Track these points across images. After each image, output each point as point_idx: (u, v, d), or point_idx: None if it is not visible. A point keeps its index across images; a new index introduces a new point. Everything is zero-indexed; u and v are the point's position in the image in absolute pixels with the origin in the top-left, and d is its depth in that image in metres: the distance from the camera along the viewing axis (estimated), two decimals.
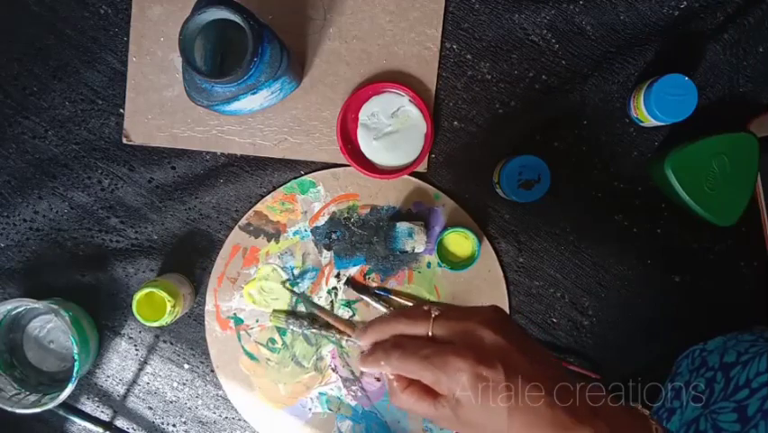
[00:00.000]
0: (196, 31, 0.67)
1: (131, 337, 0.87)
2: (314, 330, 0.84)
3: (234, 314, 0.85)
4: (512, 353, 0.46)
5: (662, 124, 0.78)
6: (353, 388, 0.85)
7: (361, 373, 0.85)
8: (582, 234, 0.84)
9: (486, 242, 0.84)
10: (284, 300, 0.85)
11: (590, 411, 0.45)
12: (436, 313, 0.50)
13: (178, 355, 0.87)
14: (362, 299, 0.84)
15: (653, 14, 0.82)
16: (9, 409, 0.79)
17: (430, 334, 0.49)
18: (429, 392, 0.48)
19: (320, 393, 0.85)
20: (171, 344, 0.86)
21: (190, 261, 0.86)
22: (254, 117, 0.84)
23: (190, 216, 0.86)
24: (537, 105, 0.83)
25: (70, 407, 0.86)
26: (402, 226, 0.81)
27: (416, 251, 0.82)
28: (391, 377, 0.50)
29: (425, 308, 0.51)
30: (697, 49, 0.81)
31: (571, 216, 0.84)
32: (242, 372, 0.85)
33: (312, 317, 0.85)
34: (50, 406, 0.78)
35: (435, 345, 0.48)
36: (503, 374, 0.45)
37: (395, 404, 0.50)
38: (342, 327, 0.63)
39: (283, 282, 0.85)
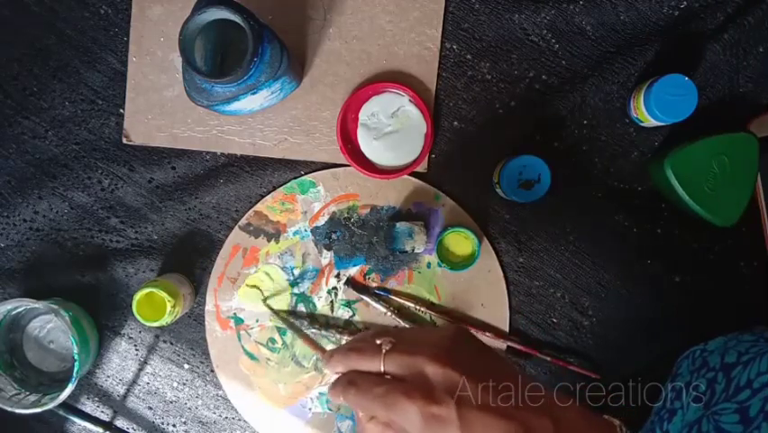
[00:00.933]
0: (196, 31, 0.67)
1: (131, 337, 0.87)
2: (314, 330, 0.84)
3: (234, 314, 0.85)
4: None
5: (662, 124, 0.78)
6: None
7: None
8: (582, 234, 0.84)
9: (486, 242, 0.84)
10: (284, 300, 0.85)
11: (552, 424, 0.46)
12: (387, 348, 0.50)
13: (178, 355, 0.87)
14: (362, 299, 0.84)
15: (653, 14, 0.82)
16: (9, 409, 0.79)
17: (382, 370, 0.49)
18: (389, 425, 0.49)
19: (320, 393, 0.85)
20: (171, 344, 0.86)
21: (190, 261, 0.86)
22: (254, 117, 0.84)
23: (190, 216, 0.86)
24: (537, 105, 0.83)
25: (70, 407, 0.86)
26: (402, 226, 0.81)
27: (415, 251, 0.82)
28: (356, 408, 0.51)
29: (378, 342, 0.51)
30: (697, 49, 0.81)
31: (571, 216, 0.84)
32: (242, 372, 0.85)
33: (312, 317, 0.85)
34: (50, 406, 0.78)
35: (388, 384, 0.48)
36: (454, 410, 0.45)
37: None
38: (312, 349, 0.66)
39: (264, 300, 0.85)
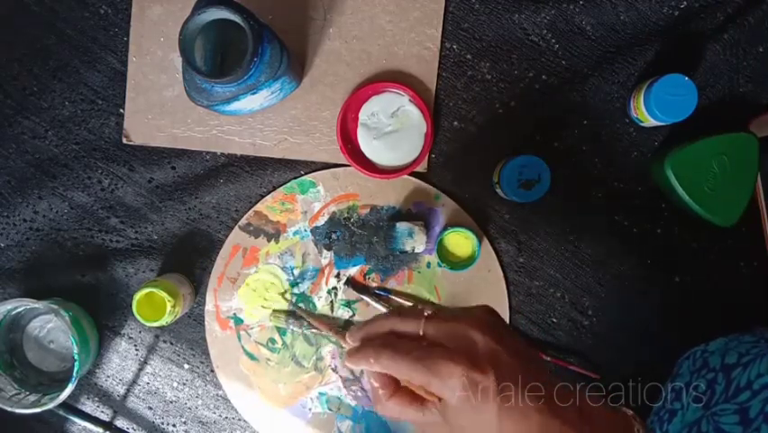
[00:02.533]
0: (196, 31, 0.67)
1: (131, 337, 0.87)
2: (314, 330, 0.84)
3: (234, 314, 0.85)
4: (503, 356, 0.46)
5: (662, 124, 0.78)
6: (353, 388, 0.85)
7: (361, 372, 0.85)
8: (582, 234, 0.84)
9: (486, 242, 0.84)
10: (284, 301, 0.85)
11: (578, 416, 0.45)
12: (429, 312, 0.49)
13: (178, 355, 0.87)
14: (362, 299, 0.84)
15: (653, 14, 0.82)
16: (9, 409, 0.79)
17: (421, 333, 0.48)
18: (416, 398, 0.48)
19: (320, 393, 0.85)
20: (171, 344, 0.86)
21: (190, 261, 0.86)
22: (254, 117, 0.84)
23: (190, 216, 0.86)
24: (537, 105, 0.83)
25: (70, 407, 0.86)
26: (402, 226, 0.81)
27: (416, 251, 0.82)
28: (376, 384, 0.49)
29: (419, 307, 0.50)
30: (697, 49, 0.81)
31: (571, 216, 0.84)
32: (242, 372, 0.85)
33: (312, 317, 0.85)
34: (50, 406, 0.78)
35: (427, 347, 0.47)
36: (494, 380, 0.44)
37: (379, 412, 0.50)
38: (333, 334, 0.63)
39: (282, 293, 0.85)
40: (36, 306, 0.79)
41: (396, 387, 0.49)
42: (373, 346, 0.48)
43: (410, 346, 0.47)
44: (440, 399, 0.47)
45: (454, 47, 0.83)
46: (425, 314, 0.49)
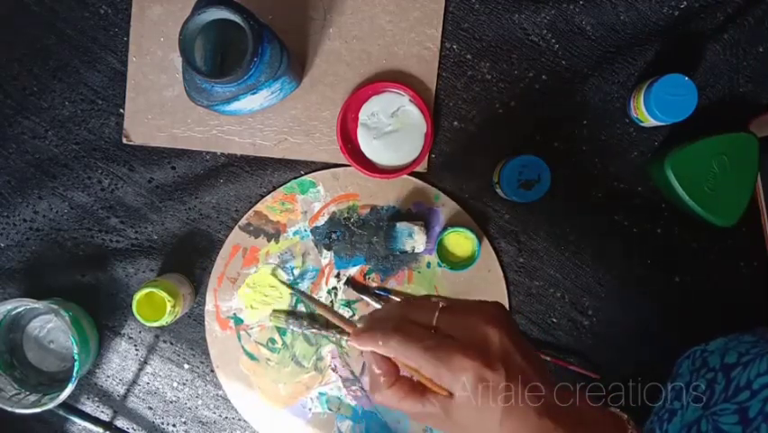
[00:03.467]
0: (195, 31, 0.67)
1: (131, 337, 0.87)
2: (314, 330, 0.84)
3: (234, 314, 0.85)
4: (516, 357, 0.46)
5: (662, 124, 0.78)
6: (353, 388, 0.85)
7: (361, 372, 0.85)
8: (582, 233, 0.84)
9: (486, 242, 0.84)
10: (284, 300, 0.85)
11: (575, 418, 0.45)
12: (443, 304, 0.48)
13: (178, 355, 0.87)
14: (362, 299, 0.84)
15: (653, 14, 0.82)
16: (9, 409, 0.79)
17: (434, 324, 0.47)
18: (415, 389, 0.47)
19: (320, 393, 0.85)
20: (171, 344, 0.86)
21: (190, 261, 0.86)
22: (254, 117, 0.84)
23: (190, 216, 0.86)
24: (537, 105, 0.83)
25: (70, 407, 0.86)
26: (402, 226, 0.81)
27: (415, 251, 0.82)
28: (378, 371, 0.48)
29: (433, 299, 0.49)
30: (697, 49, 0.81)
31: (571, 216, 0.84)
32: (242, 372, 0.85)
33: (312, 317, 0.85)
34: (50, 406, 0.78)
35: (439, 338, 0.46)
36: (504, 379, 0.44)
37: (377, 400, 0.49)
38: (342, 324, 0.57)
39: (283, 281, 0.85)
40: (36, 306, 0.79)
41: (396, 376, 0.48)
42: (383, 328, 0.47)
43: (422, 334, 0.46)
44: (446, 392, 0.46)
45: (454, 47, 0.83)
46: (440, 306, 0.48)
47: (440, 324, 0.47)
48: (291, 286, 0.66)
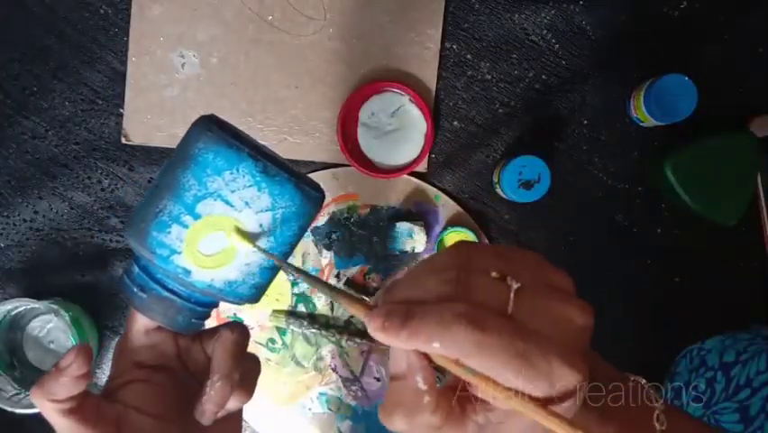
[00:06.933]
0: None
1: None
2: (314, 330, 0.84)
3: (234, 314, 0.85)
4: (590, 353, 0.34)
5: (662, 124, 0.78)
6: (353, 388, 0.85)
7: (361, 372, 0.85)
8: (582, 233, 0.84)
9: (486, 242, 0.84)
10: (284, 300, 0.85)
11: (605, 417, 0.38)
12: (516, 285, 0.31)
13: None
14: (363, 299, 0.84)
15: (653, 14, 0.82)
16: (9, 409, 0.79)
17: (510, 311, 0.31)
18: (456, 408, 0.33)
19: (320, 393, 0.85)
20: None
21: None
22: (254, 117, 0.84)
23: None
24: (537, 105, 0.83)
25: None
26: (402, 226, 0.81)
27: (415, 251, 0.82)
28: (424, 386, 0.31)
29: (494, 274, 0.31)
30: (697, 49, 0.81)
31: (571, 216, 0.84)
32: None
33: (312, 317, 0.85)
34: None
35: (527, 335, 0.30)
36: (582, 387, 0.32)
37: (402, 427, 0.32)
38: (353, 308, 0.36)
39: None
40: (36, 306, 0.79)
41: (437, 390, 0.32)
42: (437, 316, 0.30)
43: (498, 324, 0.30)
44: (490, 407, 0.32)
45: (454, 47, 0.83)
46: (514, 287, 0.31)
47: (518, 313, 0.31)
48: (290, 266, 0.46)
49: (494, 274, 0.32)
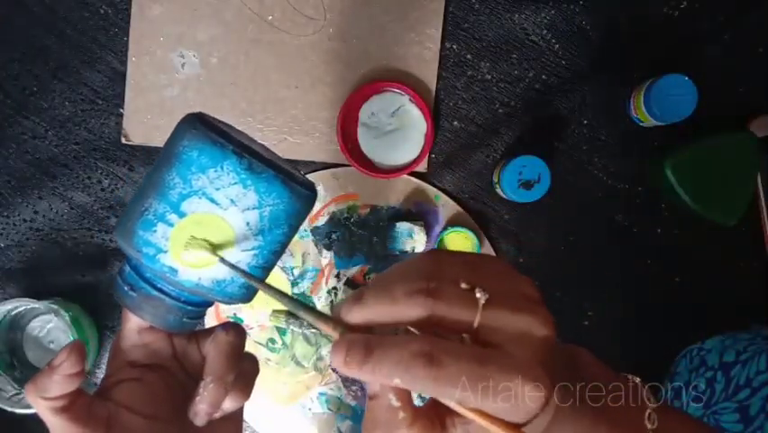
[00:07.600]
0: None
1: None
2: (314, 330, 0.84)
3: (234, 314, 0.85)
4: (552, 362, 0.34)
5: (662, 124, 0.78)
6: (353, 388, 0.85)
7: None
8: (582, 233, 0.84)
9: (486, 242, 0.84)
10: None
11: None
12: (485, 298, 0.32)
13: None
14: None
15: (653, 14, 0.82)
16: (9, 409, 0.79)
17: (476, 325, 0.31)
18: (434, 421, 0.34)
19: (320, 393, 0.85)
20: None
21: None
22: (254, 117, 0.84)
23: None
24: (537, 105, 0.83)
25: None
26: (402, 226, 0.81)
27: (415, 251, 0.82)
28: (397, 404, 0.33)
29: (463, 285, 0.32)
30: (697, 49, 0.81)
31: (571, 216, 0.84)
32: None
33: None
34: None
35: (486, 359, 0.30)
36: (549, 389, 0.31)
37: None
38: (322, 326, 0.38)
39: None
40: (36, 306, 0.79)
41: (414, 407, 0.34)
42: (395, 354, 0.31)
43: (456, 355, 0.30)
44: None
45: (454, 47, 0.83)
46: (482, 301, 0.32)
47: (484, 327, 0.32)
48: (249, 275, 0.41)
49: (463, 285, 0.32)
